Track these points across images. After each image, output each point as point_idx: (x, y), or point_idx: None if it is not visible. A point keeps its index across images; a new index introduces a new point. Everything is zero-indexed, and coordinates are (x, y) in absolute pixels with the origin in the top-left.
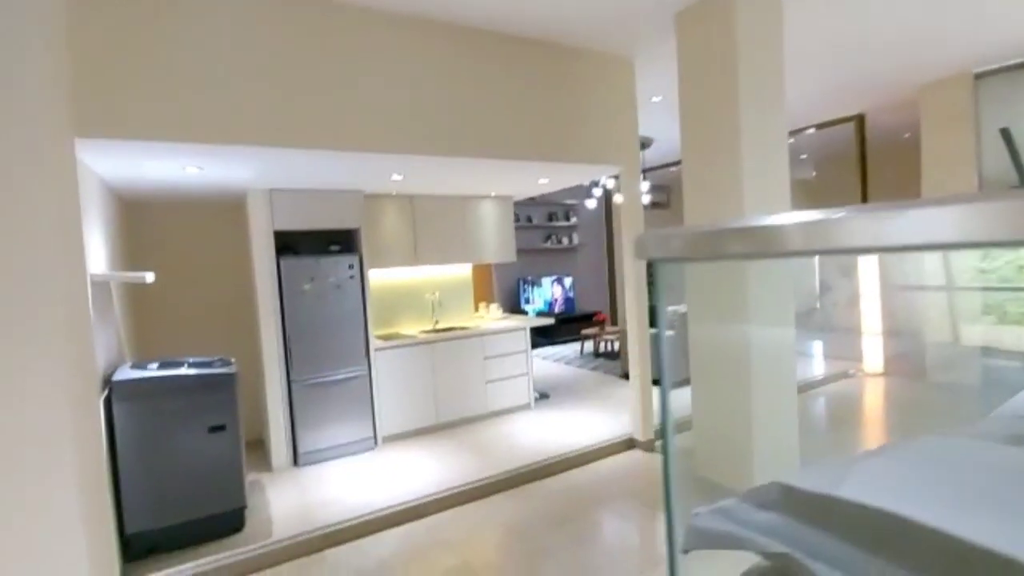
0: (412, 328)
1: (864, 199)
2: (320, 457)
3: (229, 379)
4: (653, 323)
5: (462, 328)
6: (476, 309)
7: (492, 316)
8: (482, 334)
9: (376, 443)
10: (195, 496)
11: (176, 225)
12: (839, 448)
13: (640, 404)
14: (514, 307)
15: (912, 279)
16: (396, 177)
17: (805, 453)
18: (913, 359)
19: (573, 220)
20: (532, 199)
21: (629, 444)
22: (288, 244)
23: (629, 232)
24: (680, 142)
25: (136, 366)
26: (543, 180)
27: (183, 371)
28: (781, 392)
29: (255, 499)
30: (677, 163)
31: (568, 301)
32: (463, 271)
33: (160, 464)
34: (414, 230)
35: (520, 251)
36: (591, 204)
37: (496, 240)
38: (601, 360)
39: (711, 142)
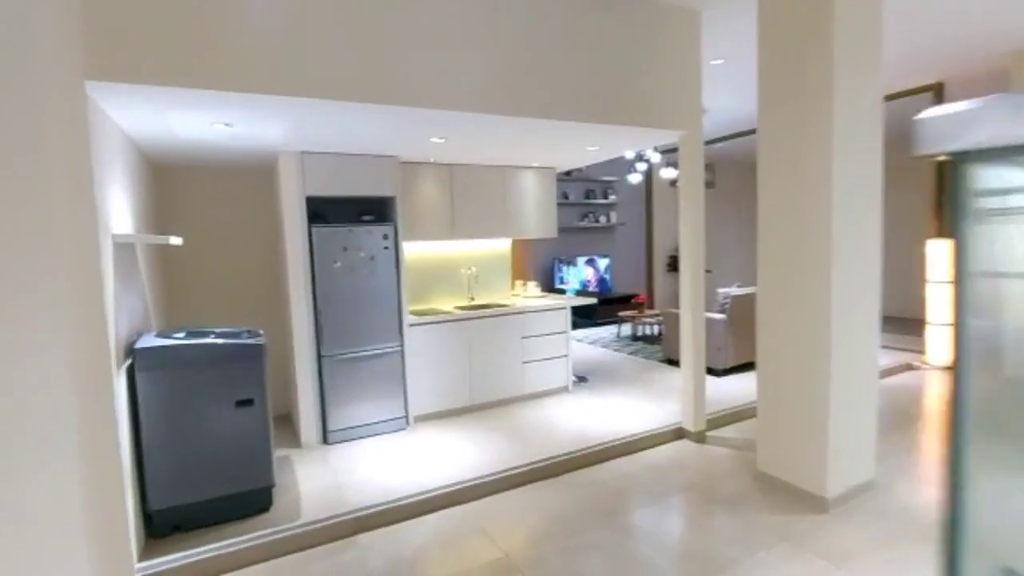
0: (447, 304)
1: (941, 181)
2: (350, 436)
3: (257, 351)
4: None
5: (499, 305)
6: (513, 287)
7: (530, 294)
8: (520, 312)
9: (408, 423)
10: (221, 473)
11: (206, 190)
12: (912, 449)
13: (692, 392)
14: (548, 287)
15: (1003, 264)
16: (436, 140)
17: (878, 453)
18: (989, 351)
19: (612, 198)
20: (569, 174)
21: (678, 434)
22: (320, 213)
23: (691, 207)
24: (759, 106)
25: (161, 334)
26: (592, 148)
27: (210, 341)
28: (862, 381)
29: (283, 477)
30: (731, 137)
31: (603, 282)
32: (502, 246)
33: (185, 438)
34: (452, 201)
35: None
36: (635, 179)
37: (537, 214)
38: (640, 344)
39: (796, 109)
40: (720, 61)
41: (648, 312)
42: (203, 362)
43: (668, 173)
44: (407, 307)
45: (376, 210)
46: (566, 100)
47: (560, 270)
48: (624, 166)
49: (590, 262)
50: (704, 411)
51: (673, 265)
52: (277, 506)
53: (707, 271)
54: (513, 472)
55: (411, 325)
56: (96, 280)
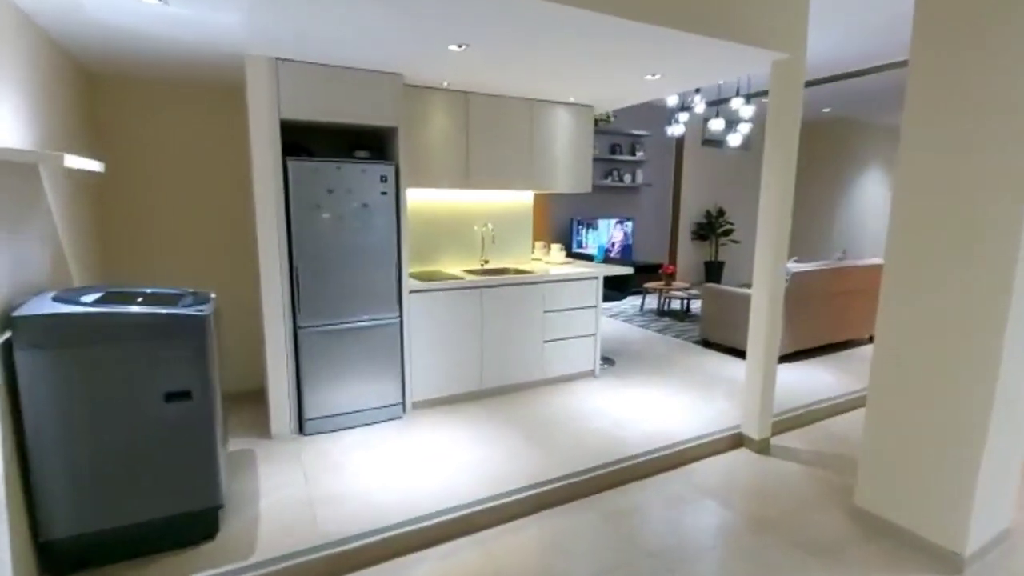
0: (455, 266)
1: None
2: (332, 425)
3: (197, 325)
4: (714, 277)
5: (518, 271)
6: (533, 249)
7: (554, 259)
8: (544, 281)
9: (404, 410)
10: (145, 490)
11: (159, 110)
12: None
13: (760, 392)
14: (567, 251)
15: None
16: (455, 48)
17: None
18: None
19: (639, 155)
20: (596, 124)
21: (736, 441)
22: (300, 144)
23: (781, 157)
24: (917, 37)
25: (62, 296)
26: (653, 76)
27: (129, 309)
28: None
29: (241, 483)
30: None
31: (625, 249)
32: (523, 200)
33: (92, 443)
34: (467, 140)
35: None
36: (676, 131)
37: (569, 163)
38: (668, 320)
39: (999, 44)
40: None
41: (677, 284)
42: (117, 338)
43: (717, 124)
44: (408, 269)
45: (373, 144)
46: None
47: (579, 232)
48: (657, 118)
49: (620, 223)
50: (771, 416)
51: (700, 233)
52: (228, 531)
53: (736, 241)
54: (533, 492)
55: (413, 291)
56: None
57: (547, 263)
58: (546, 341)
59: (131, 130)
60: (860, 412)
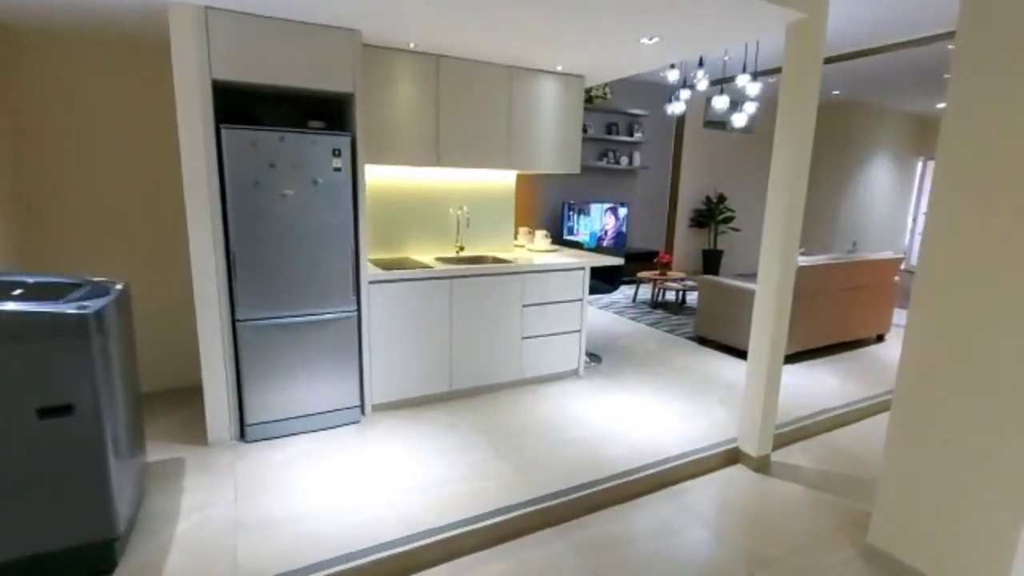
0: (426, 253)
1: None
2: (279, 431)
3: (77, 324)
4: (713, 269)
5: (496, 260)
6: (516, 236)
7: (538, 246)
8: (524, 271)
9: (363, 413)
10: (16, 524)
11: (82, 72)
12: None
13: (762, 402)
14: (556, 237)
15: None
16: None
17: None
18: None
19: (637, 135)
20: (590, 101)
21: (732, 457)
22: (247, 111)
23: (794, 134)
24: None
25: None
26: (650, 39)
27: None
28: None
29: (161, 498)
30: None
31: (619, 236)
32: (504, 181)
33: None
34: (437, 112)
35: None
36: (677, 109)
37: (556, 140)
38: (660, 313)
39: None
40: None
41: (672, 274)
42: None
43: (721, 102)
44: (369, 256)
45: (332, 114)
46: None
47: (570, 218)
48: (657, 97)
49: (612, 210)
50: (772, 430)
51: (698, 220)
52: (128, 566)
53: (736, 229)
54: (496, 520)
55: (373, 282)
56: None
57: (531, 251)
58: (524, 338)
59: (54, 94)
60: (870, 424)
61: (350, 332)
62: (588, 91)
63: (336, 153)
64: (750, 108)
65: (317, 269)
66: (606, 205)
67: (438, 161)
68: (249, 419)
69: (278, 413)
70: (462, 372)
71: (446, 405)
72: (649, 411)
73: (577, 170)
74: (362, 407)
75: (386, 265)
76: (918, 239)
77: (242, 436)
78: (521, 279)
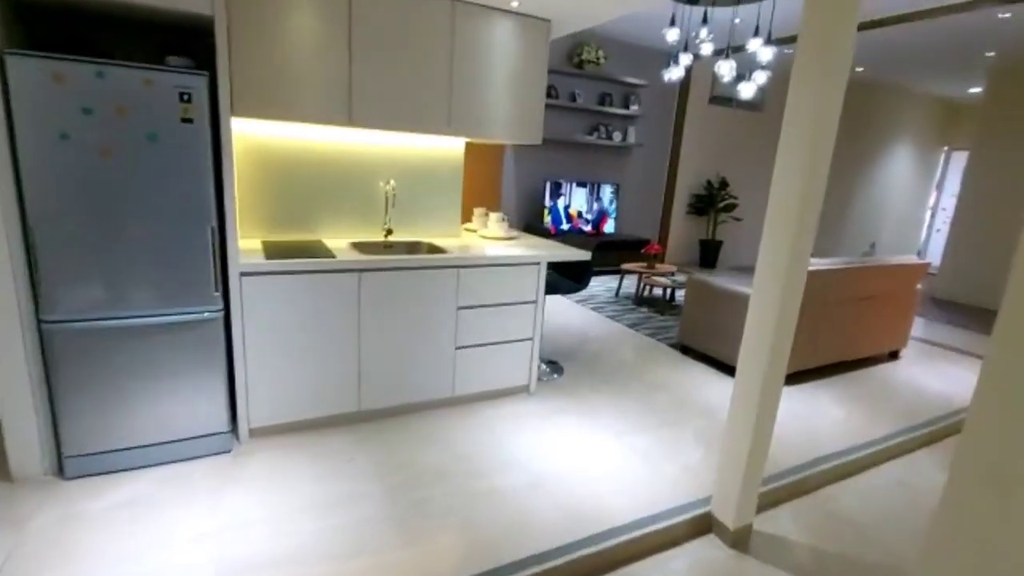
0: (345, 236)
1: None
2: (113, 464)
3: None
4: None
5: (433, 248)
6: (470, 218)
7: (491, 232)
8: (458, 265)
9: (237, 441)
10: None
11: None
12: None
13: (745, 453)
14: (532, 222)
15: None
16: None
17: None
18: None
19: (633, 108)
20: (580, 67)
21: (702, 526)
22: (85, 40)
23: (816, 106)
24: None
25: None
26: None
27: None
28: None
29: None
30: None
31: (599, 220)
32: (450, 149)
33: None
34: (350, 55)
35: (552, 141)
36: (674, 74)
37: (513, 103)
38: (645, 312)
39: None
40: None
41: (662, 267)
42: None
43: (726, 68)
44: (237, 237)
45: (192, 49)
46: None
47: (552, 200)
48: (657, 65)
49: (597, 190)
50: (757, 489)
51: (697, 207)
52: None
53: (738, 219)
54: None
55: (247, 273)
56: None
57: (484, 238)
58: (459, 348)
59: None
60: (881, 476)
61: (213, 337)
62: (578, 55)
63: (185, 97)
64: (760, 78)
65: (158, 255)
66: (594, 184)
67: (349, 120)
68: (68, 450)
69: (111, 442)
70: (374, 388)
71: (351, 430)
72: (606, 448)
73: (538, 141)
74: (235, 432)
75: (285, 250)
76: (937, 237)
77: (60, 470)
78: (455, 274)
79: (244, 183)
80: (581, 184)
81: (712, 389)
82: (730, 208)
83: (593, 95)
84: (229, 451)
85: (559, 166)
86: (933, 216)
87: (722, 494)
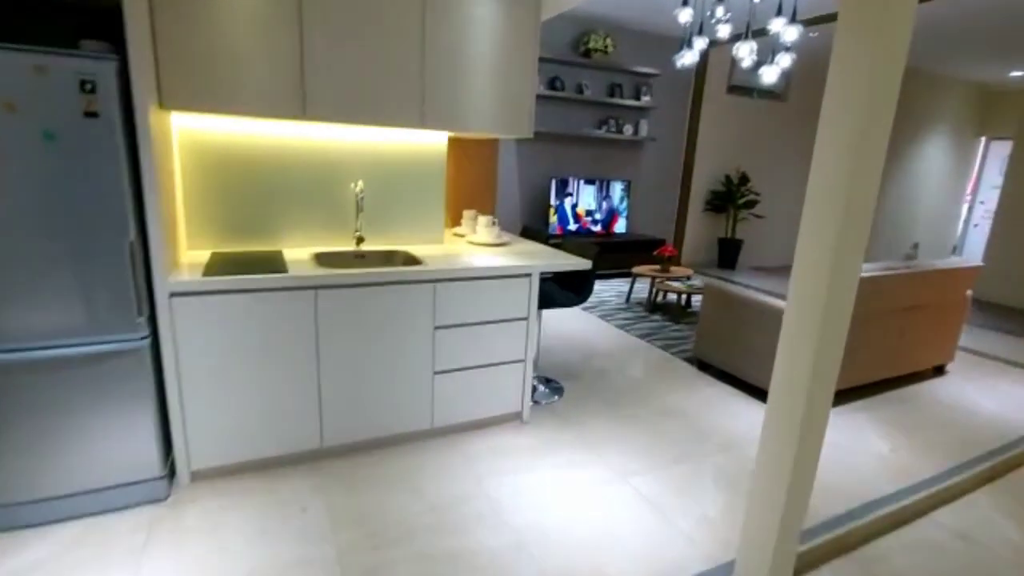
0: (307, 245)
1: None
2: (14, 519)
3: None
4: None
5: (409, 259)
6: (461, 222)
7: (481, 238)
8: (435, 279)
9: (171, 485)
10: None
11: None
12: None
13: (780, 504)
14: (538, 222)
15: None
16: None
17: None
18: None
19: (645, 100)
20: (587, 55)
21: None
22: None
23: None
24: None
25: None
26: None
27: None
28: None
29: None
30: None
31: (611, 216)
32: (430, 144)
33: None
34: (301, 36)
35: (558, 136)
36: (688, 60)
37: (497, 92)
38: (658, 319)
39: None
40: None
41: (677, 270)
42: None
43: (745, 51)
44: (164, 251)
45: (88, 24)
46: None
47: (559, 199)
48: (670, 53)
49: (606, 187)
50: (793, 552)
51: (715, 204)
52: None
53: (759, 216)
54: None
55: (179, 294)
56: None
57: (471, 243)
58: (438, 373)
59: None
60: (938, 523)
61: (139, 369)
62: (584, 43)
63: (87, 88)
64: (785, 61)
65: (65, 277)
66: (603, 182)
67: (303, 112)
68: None
69: (16, 493)
70: (339, 422)
71: (312, 469)
72: (608, 494)
73: (528, 134)
74: (171, 476)
75: (235, 264)
76: (974, 233)
77: None
78: (431, 290)
79: (192, 187)
80: (589, 181)
81: (734, 414)
82: (751, 204)
83: (602, 86)
84: (164, 499)
85: (566, 163)
86: (970, 210)
87: (750, 558)
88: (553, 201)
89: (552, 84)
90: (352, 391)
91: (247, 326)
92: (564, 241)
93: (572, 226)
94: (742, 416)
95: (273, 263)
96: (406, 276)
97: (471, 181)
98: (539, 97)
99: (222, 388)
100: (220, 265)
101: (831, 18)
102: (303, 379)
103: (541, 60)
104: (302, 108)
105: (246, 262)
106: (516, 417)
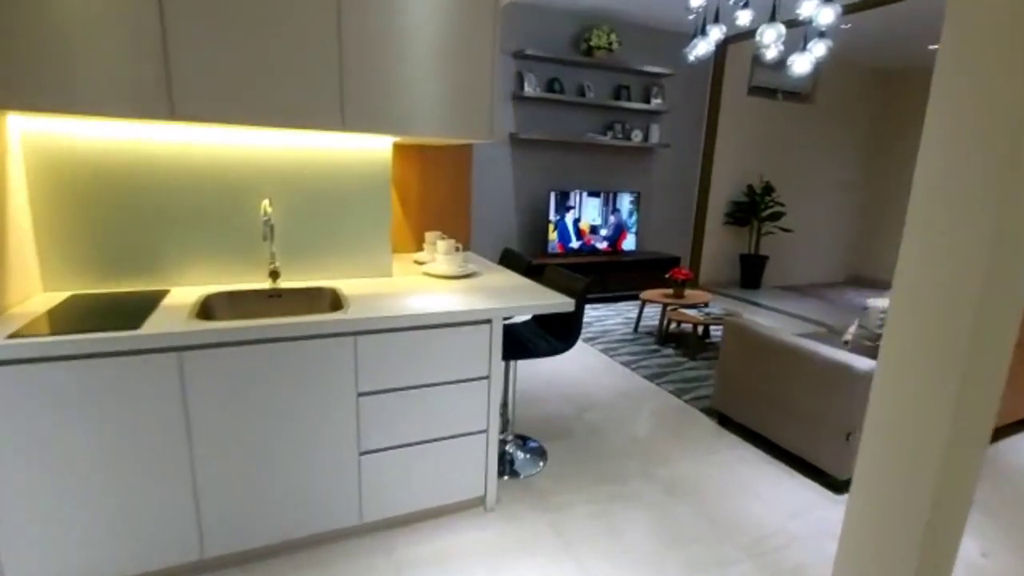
0: (207, 282)
1: None
2: None
3: None
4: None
5: (335, 299)
6: (423, 246)
7: (437, 268)
8: (354, 331)
9: None
10: None
11: None
12: None
13: None
14: (535, 240)
15: None
16: None
17: None
18: None
19: (656, 102)
20: (590, 54)
21: None
22: None
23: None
24: None
25: None
26: None
27: None
28: None
29: None
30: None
31: (618, 232)
32: (370, 149)
33: None
34: (161, 7)
35: (557, 143)
36: (701, 50)
37: (443, 87)
38: (671, 353)
39: None
40: None
41: (692, 296)
42: None
43: (771, 36)
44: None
45: None
46: None
47: (559, 213)
48: (682, 49)
49: (612, 200)
50: None
51: (736, 216)
52: None
53: (786, 229)
54: None
55: None
56: None
57: (428, 275)
58: (365, 453)
59: None
60: None
61: None
62: (586, 40)
63: None
64: (819, 49)
65: None
66: (608, 194)
67: (171, 111)
68: None
69: None
70: (227, 523)
71: None
72: None
73: (490, 137)
74: None
75: (92, 312)
76: None
77: None
78: (351, 344)
79: (45, 210)
80: (594, 193)
81: (765, 495)
82: (776, 217)
83: (606, 88)
84: None
85: (566, 173)
86: None
87: None
88: (552, 216)
89: (550, 86)
90: (244, 482)
91: (85, 403)
92: (547, 269)
93: (574, 243)
94: (776, 498)
95: (138, 313)
96: (306, 330)
97: (442, 196)
98: (536, 100)
99: (53, 487)
100: (64, 316)
101: (868, 5)
102: (170, 470)
103: (537, 59)
104: (168, 106)
105: (106, 311)
106: (478, 503)
